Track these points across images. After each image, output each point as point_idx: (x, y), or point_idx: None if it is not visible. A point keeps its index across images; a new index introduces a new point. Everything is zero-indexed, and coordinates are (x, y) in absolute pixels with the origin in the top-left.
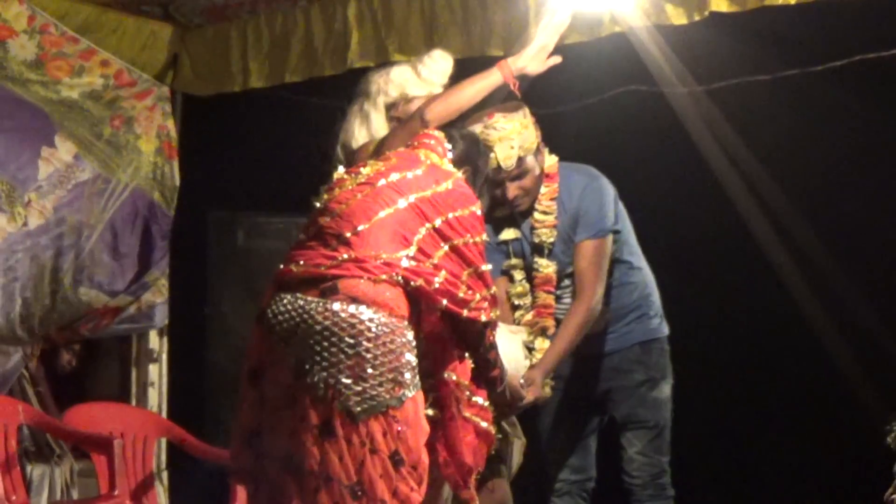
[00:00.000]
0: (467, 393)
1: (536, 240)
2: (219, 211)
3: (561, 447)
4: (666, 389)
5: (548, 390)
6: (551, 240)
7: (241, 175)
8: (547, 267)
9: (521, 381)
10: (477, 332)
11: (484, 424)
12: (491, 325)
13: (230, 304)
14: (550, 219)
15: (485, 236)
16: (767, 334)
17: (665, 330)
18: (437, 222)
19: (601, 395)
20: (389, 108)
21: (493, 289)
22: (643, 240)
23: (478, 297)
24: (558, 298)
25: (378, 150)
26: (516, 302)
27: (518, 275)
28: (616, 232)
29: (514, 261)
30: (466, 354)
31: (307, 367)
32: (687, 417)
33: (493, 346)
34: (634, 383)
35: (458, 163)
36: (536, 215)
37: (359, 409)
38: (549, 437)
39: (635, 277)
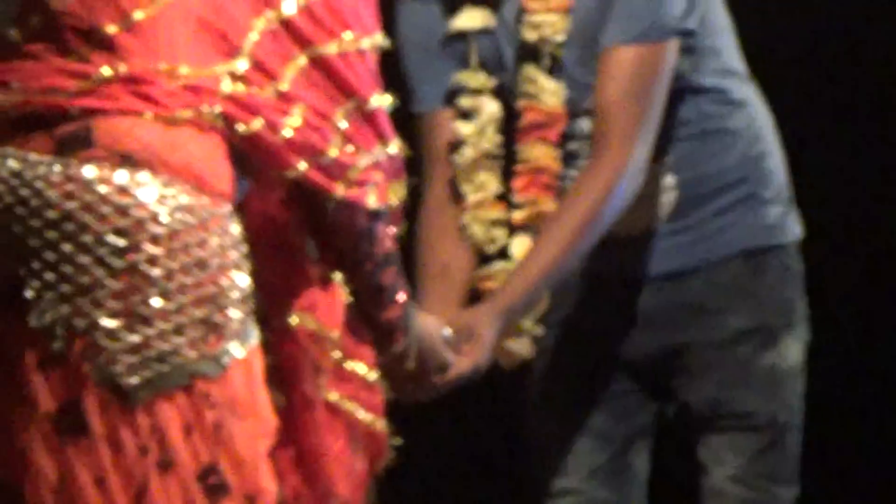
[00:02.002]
0: (336, 354)
1: (529, 36)
2: None
3: (574, 468)
4: (794, 351)
5: (523, 345)
6: (560, 37)
7: None
8: (550, 93)
9: (447, 332)
10: (359, 231)
11: (365, 416)
12: (385, 215)
13: None
14: None
15: (379, 37)
16: None
17: (796, 231)
18: (288, 7)
19: (658, 362)
20: None
21: (395, 145)
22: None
23: (363, 159)
24: (569, 158)
25: None
26: (468, 158)
27: (482, 105)
28: (687, 34)
29: (475, 76)
30: (335, 277)
31: (28, 294)
32: (837, 415)
33: (391, 260)
34: (729, 336)
35: None
36: None
37: (135, 379)
38: (550, 449)
39: (735, 120)
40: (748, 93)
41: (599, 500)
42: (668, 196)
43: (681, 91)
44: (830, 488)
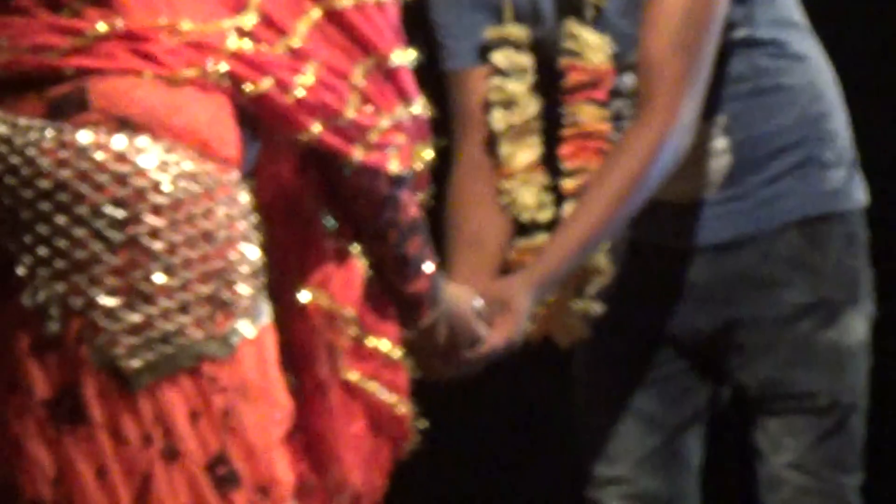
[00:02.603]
0: (353, 332)
1: None
2: None
3: (621, 454)
4: (858, 327)
5: (575, 323)
6: None
7: None
8: (595, 49)
9: (479, 303)
10: (381, 198)
11: (388, 397)
12: (409, 180)
13: None
14: None
15: None
16: None
17: (860, 197)
18: None
19: (713, 339)
20: None
21: (420, 105)
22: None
23: (384, 121)
24: (613, 119)
25: None
26: (508, 123)
27: (517, 61)
28: None
29: (511, 29)
30: (352, 249)
31: (19, 270)
32: None
33: (417, 229)
34: (787, 311)
35: None
36: None
37: (137, 362)
38: (596, 434)
39: (793, 76)
40: (808, 46)
41: (648, 490)
42: (720, 160)
43: (732, 44)
44: None
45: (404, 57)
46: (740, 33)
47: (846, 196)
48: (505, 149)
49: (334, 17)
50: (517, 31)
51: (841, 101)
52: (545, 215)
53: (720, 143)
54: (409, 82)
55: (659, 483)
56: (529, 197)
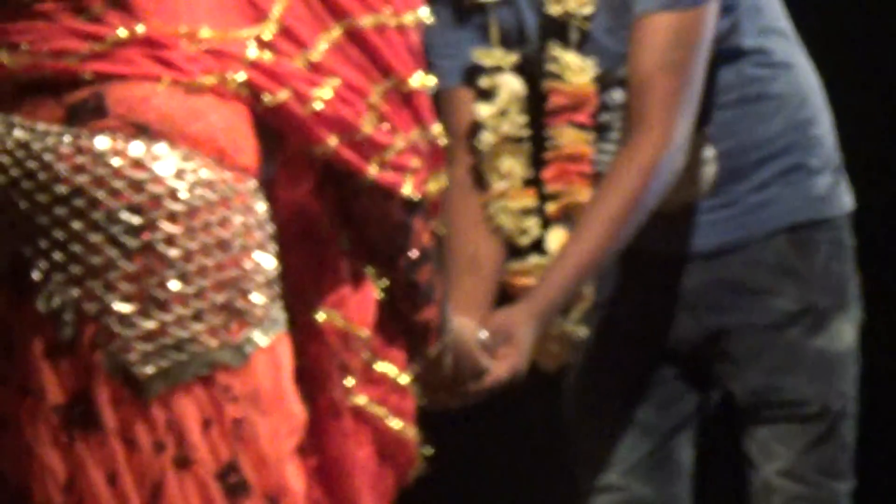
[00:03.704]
0: (365, 354)
1: (554, 9)
2: None
3: (614, 461)
4: (846, 333)
5: (560, 349)
6: (587, 9)
7: None
8: (577, 71)
9: (483, 335)
10: (394, 222)
11: (394, 422)
12: (423, 207)
13: None
14: None
15: (425, 13)
16: None
17: (846, 203)
18: None
19: (702, 346)
20: None
21: (438, 129)
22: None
23: (399, 141)
24: (601, 130)
25: None
26: (490, 143)
27: (502, 84)
28: None
29: (493, 53)
30: (367, 270)
31: (34, 275)
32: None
33: (428, 257)
34: (776, 319)
35: None
36: None
37: (150, 369)
38: (588, 442)
39: (779, 84)
40: (793, 53)
41: (641, 496)
42: (708, 169)
43: (719, 54)
44: (889, 481)
45: (423, 81)
46: (727, 43)
47: (833, 202)
48: (487, 172)
49: (355, 36)
50: (499, 55)
51: (826, 107)
52: (526, 239)
53: (708, 151)
54: (427, 107)
55: (651, 489)
56: (509, 220)
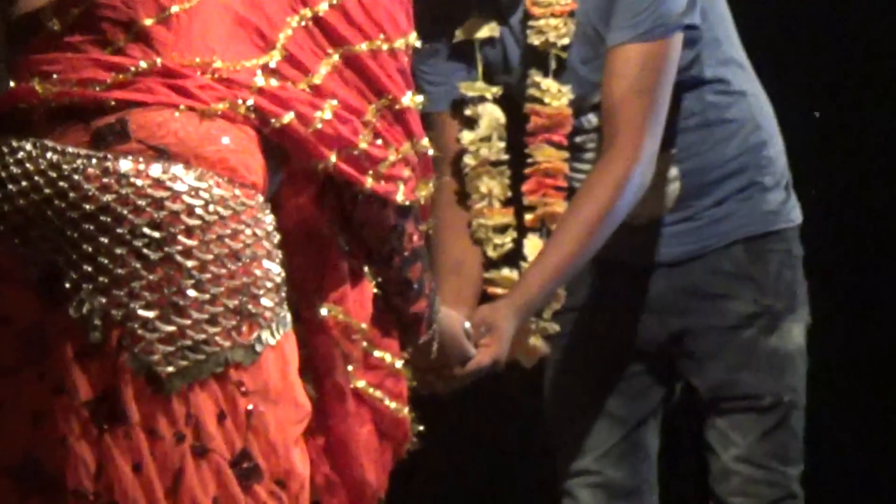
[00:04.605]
0: (364, 344)
1: (535, 40)
2: None
3: (588, 448)
4: (796, 333)
5: (538, 343)
6: (565, 40)
7: None
8: (555, 96)
9: (467, 325)
10: (388, 225)
11: (392, 404)
12: (414, 211)
13: None
14: (563, 0)
15: (414, 38)
16: None
17: (796, 216)
18: (323, 7)
19: (666, 346)
20: None
21: (426, 142)
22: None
23: (392, 154)
24: (576, 151)
25: None
26: (471, 166)
27: (484, 114)
28: (691, 28)
29: (477, 85)
30: (365, 269)
31: (66, 284)
32: (838, 395)
33: (419, 256)
34: (732, 321)
35: None
36: None
37: (170, 368)
38: (566, 430)
39: (736, 110)
40: (749, 82)
41: (613, 479)
42: (673, 186)
43: (683, 83)
44: (833, 465)
45: (412, 100)
46: (690, 73)
47: (784, 216)
48: (471, 188)
49: (352, 61)
50: (482, 87)
51: (778, 132)
52: (497, 253)
53: (672, 171)
54: (416, 123)
55: (622, 473)
56: (484, 235)
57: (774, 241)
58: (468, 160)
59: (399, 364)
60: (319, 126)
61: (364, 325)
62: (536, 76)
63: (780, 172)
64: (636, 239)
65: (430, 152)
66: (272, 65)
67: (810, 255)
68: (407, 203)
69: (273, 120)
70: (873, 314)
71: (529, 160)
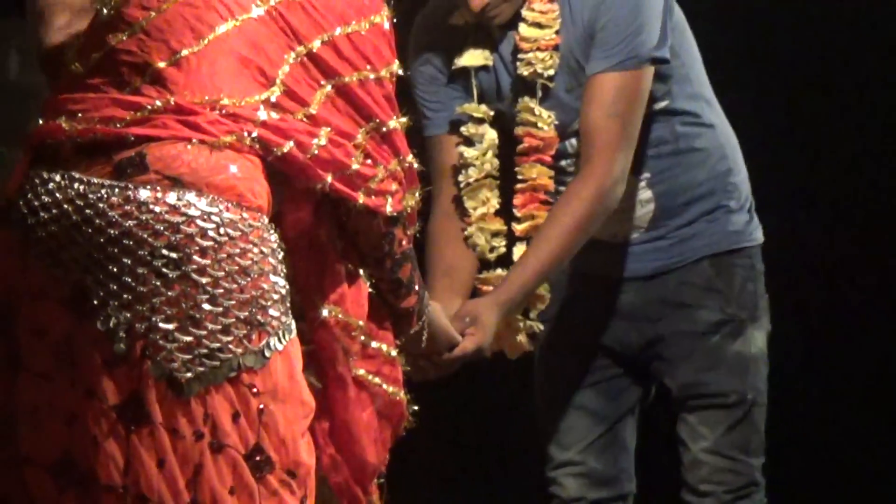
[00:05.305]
0: (362, 338)
1: (524, 71)
2: None
3: (572, 442)
4: (758, 339)
5: (524, 340)
6: (550, 71)
7: None
8: (544, 121)
9: (454, 318)
10: (379, 233)
11: (389, 388)
12: (402, 219)
13: None
14: (548, 34)
15: (396, 67)
16: None
17: (758, 236)
18: (316, 44)
19: (642, 350)
20: None
21: (410, 158)
22: (723, 76)
23: (381, 172)
24: (559, 174)
25: None
26: (472, 179)
27: (483, 133)
28: (662, 61)
29: (477, 107)
30: (361, 273)
31: (94, 301)
32: (796, 394)
33: (408, 258)
34: (701, 328)
35: None
36: (524, 28)
37: (189, 373)
38: (553, 425)
39: (705, 140)
40: (716, 116)
41: (595, 469)
42: (646, 208)
43: (655, 113)
44: (792, 456)
45: (397, 123)
46: (662, 104)
47: (747, 235)
48: (467, 202)
49: (342, 90)
50: (482, 109)
51: (741, 160)
52: (494, 255)
53: (645, 193)
54: (402, 142)
55: (603, 464)
56: (482, 240)
57: (739, 258)
58: (472, 172)
59: (394, 353)
60: (316, 152)
61: (361, 323)
62: (527, 103)
63: (744, 197)
64: (615, 255)
65: (416, 165)
66: (273, 99)
67: (770, 271)
68: (395, 213)
69: (275, 149)
70: (827, 323)
71: (520, 177)
